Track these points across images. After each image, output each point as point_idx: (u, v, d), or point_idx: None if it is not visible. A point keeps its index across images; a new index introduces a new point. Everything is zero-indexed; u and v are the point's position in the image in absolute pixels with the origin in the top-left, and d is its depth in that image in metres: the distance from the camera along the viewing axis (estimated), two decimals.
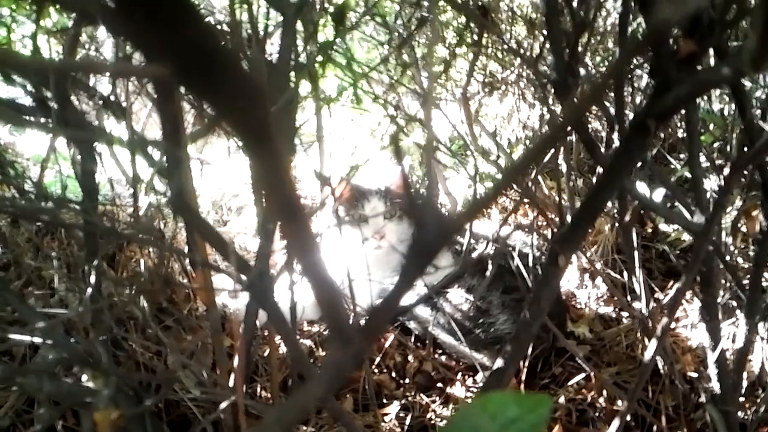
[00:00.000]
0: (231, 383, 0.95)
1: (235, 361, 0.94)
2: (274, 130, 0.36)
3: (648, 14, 0.61)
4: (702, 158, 1.23)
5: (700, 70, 0.58)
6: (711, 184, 1.51)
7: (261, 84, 0.64)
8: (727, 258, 1.51)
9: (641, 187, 1.26)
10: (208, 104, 0.35)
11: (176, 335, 1.32)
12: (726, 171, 1.51)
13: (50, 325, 0.62)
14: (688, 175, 1.82)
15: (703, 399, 1.13)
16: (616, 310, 1.65)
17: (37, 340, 0.71)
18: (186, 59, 0.31)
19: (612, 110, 1.03)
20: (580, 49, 0.84)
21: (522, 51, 1.69)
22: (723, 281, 1.36)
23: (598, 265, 1.71)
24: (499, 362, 0.90)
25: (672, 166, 1.91)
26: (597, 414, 1.26)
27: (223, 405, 0.67)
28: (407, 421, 1.23)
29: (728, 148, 1.73)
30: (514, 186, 1.94)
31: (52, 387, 0.61)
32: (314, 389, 0.42)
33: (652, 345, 0.87)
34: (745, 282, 1.10)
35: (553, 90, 0.74)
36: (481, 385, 1.38)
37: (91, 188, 0.90)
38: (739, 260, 1.78)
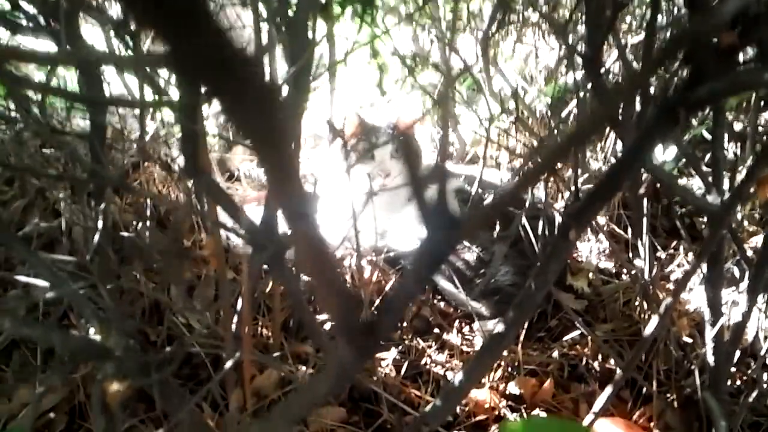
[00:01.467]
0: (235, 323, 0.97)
1: (238, 301, 0.95)
2: (286, 138, 0.34)
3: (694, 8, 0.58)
4: None
5: (741, 71, 0.56)
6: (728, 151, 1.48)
7: (276, 90, 0.61)
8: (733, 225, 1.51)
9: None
10: (220, 105, 0.33)
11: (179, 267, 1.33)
12: (741, 140, 1.49)
13: (66, 289, 0.62)
14: (705, 133, 1.80)
15: (694, 366, 1.15)
16: (617, 265, 1.66)
17: (43, 283, 0.71)
18: (199, 60, 0.29)
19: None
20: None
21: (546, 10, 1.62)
22: (728, 248, 1.36)
23: (603, 220, 1.71)
24: (499, 327, 0.91)
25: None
26: (589, 370, 1.29)
27: (229, 364, 0.68)
28: (404, 367, 1.25)
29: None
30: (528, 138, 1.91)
31: (61, 341, 0.61)
32: (319, 388, 0.42)
33: (653, 321, 0.88)
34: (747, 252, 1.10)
35: (583, 63, 0.71)
36: (476, 334, 1.40)
37: (99, 124, 0.88)
38: (745, 223, 1.77)
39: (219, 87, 0.31)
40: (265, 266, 0.79)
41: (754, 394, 0.98)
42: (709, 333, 1.00)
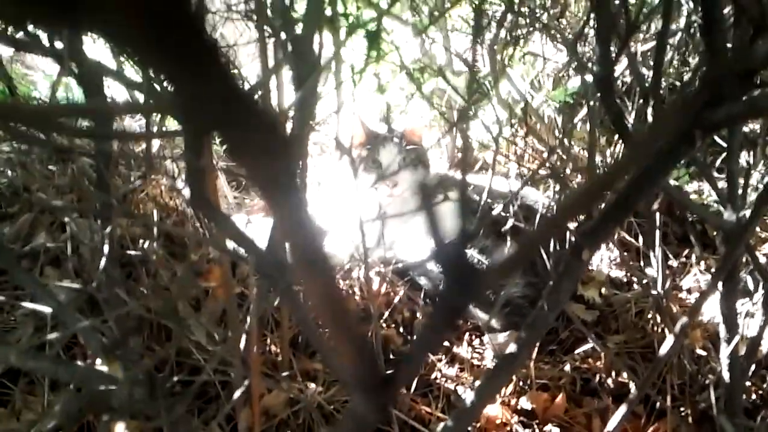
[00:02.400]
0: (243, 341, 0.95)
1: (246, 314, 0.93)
2: (295, 184, 0.33)
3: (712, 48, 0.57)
4: None
5: (759, 94, 0.54)
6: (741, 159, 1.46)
7: (287, 138, 0.60)
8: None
9: None
10: (227, 147, 0.32)
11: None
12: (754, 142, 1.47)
13: (62, 307, 0.61)
14: (716, 138, 1.78)
15: (709, 381, 1.14)
16: (628, 274, 1.64)
17: (46, 309, 0.70)
18: (205, 102, 0.28)
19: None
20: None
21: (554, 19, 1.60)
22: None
23: None
24: (512, 348, 0.89)
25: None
26: (602, 384, 1.27)
27: (238, 393, 0.66)
28: (414, 383, 1.24)
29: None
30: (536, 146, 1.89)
31: (67, 373, 0.60)
32: None
33: (669, 340, 0.86)
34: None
35: (595, 83, 0.69)
36: (487, 347, 1.39)
37: (105, 152, 0.87)
38: (757, 229, 1.75)
39: (225, 129, 0.30)
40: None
41: None
42: (724, 350, 0.98)
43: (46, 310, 0.70)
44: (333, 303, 0.38)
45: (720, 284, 1.00)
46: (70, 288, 0.91)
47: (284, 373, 1.10)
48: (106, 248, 0.75)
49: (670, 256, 1.65)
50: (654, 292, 1.19)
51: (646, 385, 0.92)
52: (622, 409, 0.93)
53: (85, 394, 0.56)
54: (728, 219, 0.84)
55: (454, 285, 0.38)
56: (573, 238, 0.85)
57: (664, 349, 0.86)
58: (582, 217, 1.00)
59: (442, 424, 0.82)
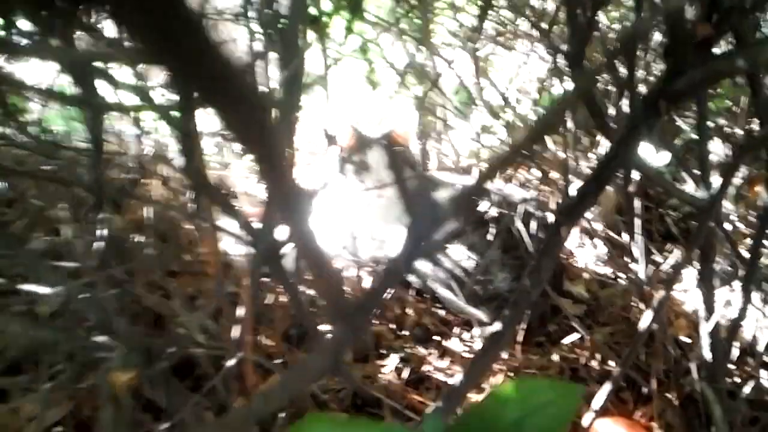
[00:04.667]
0: (236, 332, 0.98)
1: (240, 311, 0.96)
2: (275, 139, 0.36)
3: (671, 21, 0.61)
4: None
5: (715, 58, 0.58)
6: (717, 149, 1.51)
7: (259, 96, 0.63)
8: (728, 225, 1.53)
9: (647, 150, 1.26)
10: (212, 108, 0.35)
11: (181, 279, 1.34)
12: (731, 137, 1.51)
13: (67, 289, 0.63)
14: (696, 137, 1.82)
15: (693, 365, 1.16)
16: (614, 271, 1.67)
17: (46, 290, 0.72)
18: (189, 68, 0.31)
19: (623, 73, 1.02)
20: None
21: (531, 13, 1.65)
22: (721, 248, 1.38)
23: (600, 226, 1.72)
24: (497, 326, 0.92)
25: (678, 123, 1.89)
26: (589, 373, 1.30)
27: (232, 362, 0.69)
28: (405, 374, 1.26)
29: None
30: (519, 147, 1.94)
31: (67, 342, 0.63)
32: (318, 362, 0.44)
33: (647, 315, 0.89)
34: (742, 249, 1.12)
35: (565, 61, 0.73)
36: (476, 340, 1.41)
37: (97, 139, 0.90)
38: (740, 225, 1.79)
39: (214, 105, 0.33)
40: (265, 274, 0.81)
41: (751, 385, 0.99)
42: (705, 328, 1.01)
43: (47, 290, 0.72)
44: (314, 255, 0.42)
45: (698, 268, 1.04)
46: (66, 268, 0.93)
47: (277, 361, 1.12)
48: (100, 233, 0.78)
49: (655, 251, 1.68)
50: (637, 276, 1.22)
51: (629, 360, 0.95)
52: (607, 386, 0.96)
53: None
54: (699, 196, 0.88)
55: (418, 216, 0.41)
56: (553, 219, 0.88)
57: (644, 323, 0.89)
58: (560, 200, 1.03)
59: (433, 405, 0.84)
